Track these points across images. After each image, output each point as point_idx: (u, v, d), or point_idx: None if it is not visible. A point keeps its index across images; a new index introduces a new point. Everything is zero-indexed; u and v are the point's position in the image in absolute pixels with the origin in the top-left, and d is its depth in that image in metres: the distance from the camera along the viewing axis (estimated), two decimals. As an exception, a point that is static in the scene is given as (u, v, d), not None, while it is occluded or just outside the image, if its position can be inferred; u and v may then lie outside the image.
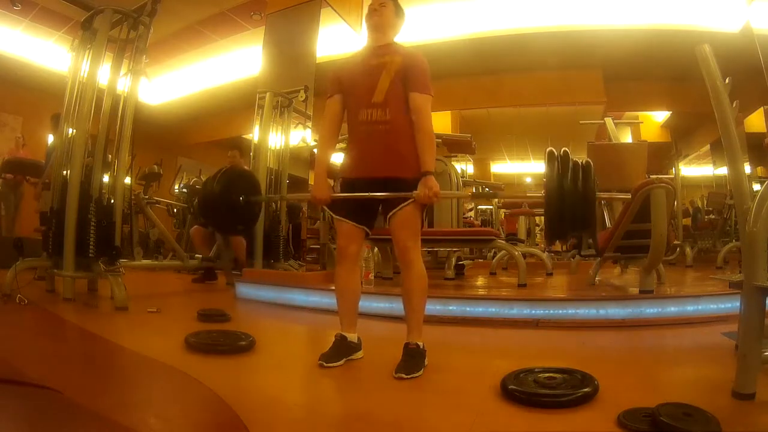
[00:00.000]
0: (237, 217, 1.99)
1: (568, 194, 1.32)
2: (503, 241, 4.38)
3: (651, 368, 1.89)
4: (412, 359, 1.70)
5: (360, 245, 1.88)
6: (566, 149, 1.44)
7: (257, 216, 2.07)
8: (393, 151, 1.78)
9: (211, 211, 1.93)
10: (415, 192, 1.72)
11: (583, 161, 1.40)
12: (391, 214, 1.77)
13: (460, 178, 5.19)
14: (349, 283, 1.86)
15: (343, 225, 1.84)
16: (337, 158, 2.21)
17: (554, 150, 1.44)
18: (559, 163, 1.37)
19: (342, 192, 1.88)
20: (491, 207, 8.80)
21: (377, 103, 1.77)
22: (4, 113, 7.62)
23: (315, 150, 5.69)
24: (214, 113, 9.39)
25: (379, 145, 1.78)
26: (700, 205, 7.66)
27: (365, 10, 1.92)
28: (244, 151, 5.04)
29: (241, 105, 7.37)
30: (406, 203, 1.75)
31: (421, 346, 1.75)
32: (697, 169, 10.20)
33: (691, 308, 2.69)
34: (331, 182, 1.94)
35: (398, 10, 1.91)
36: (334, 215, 1.88)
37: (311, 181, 5.84)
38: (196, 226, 4.80)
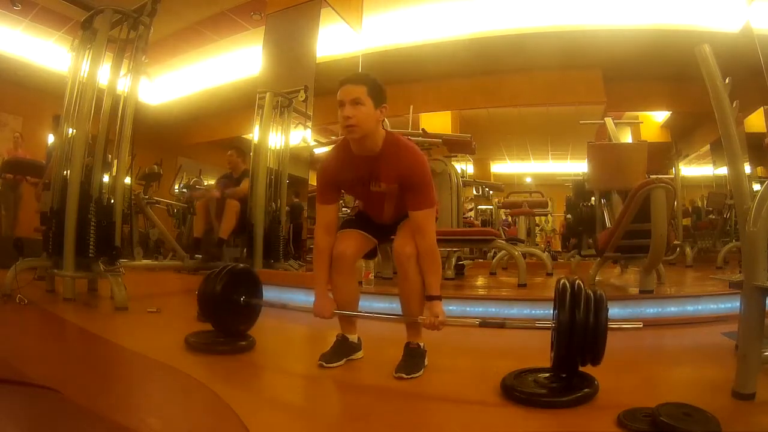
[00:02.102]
0: (237, 318, 2.00)
1: (580, 327, 1.34)
2: (503, 241, 4.38)
3: (651, 368, 1.89)
4: (413, 359, 1.70)
5: (358, 252, 1.82)
6: (579, 282, 1.45)
7: (257, 315, 2.08)
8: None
9: (211, 310, 1.94)
10: (420, 317, 1.67)
11: (597, 293, 1.40)
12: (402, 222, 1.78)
13: (460, 178, 5.18)
14: (346, 290, 1.81)
15: (346, 231, 1.81)
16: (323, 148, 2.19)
17: (567, 282, 1.45)
18: (572, 295, 1.38)
19: (357, 219, 1.87)
20: (491, 207, 8.81)
21: (388, 218, 1.81)
22: (4, 113, 7.61)
23: (315, 150, 5.72)
24: (214, 113, 9.39)
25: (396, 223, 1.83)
26: (700, 205, 7.65)
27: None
28: (244, 150, 5.05)
29: (241, 105, 7.36)
30: (410, 319, 1.73)
31: (422, 346, 1.75)
32: (697, 169, 10.19)
33: (691, 308, 2.70)
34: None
35: (377, 97, 1.59)
36: (344, 228, 1.84)
37: (312, 181, 5.87)
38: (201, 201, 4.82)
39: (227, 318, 1.95)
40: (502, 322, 1.69)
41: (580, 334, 1.34)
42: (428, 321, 1.63)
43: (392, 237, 1.81)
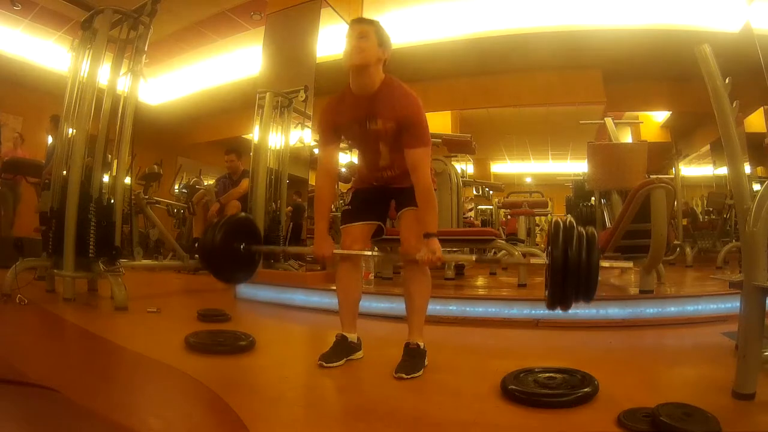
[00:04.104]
0: (237, 266, 2.00)
1: (573, 263, 1.37)
2: (503, 241, 4.38)
3: (651, 368, 1.89)
4: (413, 359, 1.70)
5: (364, 245, 1.88)
6: (572, 220, 1.48)
7: (258, 263, 2.08)
8: (402, 180, 1.80)
9: (211, 259, 1.95)
10: (418, 254, 1.68)
11: (588, 231, 1.43)
12: (402, 211, 1.80)
13: (460, 178, 5.18)
14: (351, 283, 1.87)
15: (350, 226, 1.85)
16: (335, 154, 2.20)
17: (560, 220, 1.47)
18: (564, 234, 1.41)
19: (355, 199, 1.89)
20: (491, 207, 8.82)
21: (384, 166, 1.81)
22: (4, 113, 7.61)
23: (315, 150, 5.72)
24: (214, 113, 9.39)
25: (389, 183, 1.85)
26: (697, 209, 7.65)
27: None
28: (243, 152, 5.05)
29: (241, 105, 7.36)
30: (408, 257, 1.74)
31: (422, 346, 1.75)
32: (697, 169, 10.19)
33: (691, 308, 2.70)
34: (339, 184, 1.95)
35: (382, 38, 1.69)
36: (344, 222, 1.87)
37: (311, 182, 5.87)
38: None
39: (227, 266, 1.96)
40: (496, 260, 1.74)
41: (573, 269, 1.36)
42: (426, 257, 1.65)
43: (389, 216, 1.86)
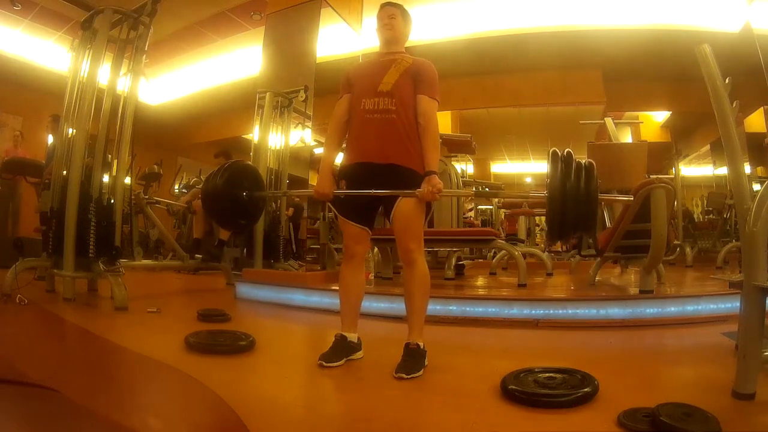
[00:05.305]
0: (240, 212, 2.00)
1: (571, 195, 1.32)
2: (503, 241, 4.38)
3: (651, 368, 1.89)
4: (413, 359, 1.70)
5: (366, 246, 1.90)
6: (569, 150, 1.45)
7: (261, 211, 2.08)
8: (396, 137, 1.79)
9: (214, 204, 1.94)
10: (418, 190, 1.73)
11: (586, 162, 1.40)
12: (393, 209, 1.78)
13: (460, 178, 5.19)
14: (354, 282, 1.88)
15: (349, 226, 1.85)
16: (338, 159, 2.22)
17: (558, 150, 1.44)
18: (563, 164, 1.37)
19: (344, 183, 1.88)
20: (491, 207, 8.81)
21: (384, 92, 1.80)
22: (4, 113, 7.61)
23: (315, 150, 5.73)
24: (214, 113, 9.39)
25: (383, 130, 1.80)
26: (697, 208, 7.65)
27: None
28: (233, 153, 5.06)
29: (241, 105, 7.36)
30: (408, 193, 1.75)
31: (422, 346, 1.75)
32: (697, 169, 10.19)
33: (691, 308, 2.70)
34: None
35: (406, 19, 1.98)
36: (338, 214, 1.89)
37: (312, 181, 5.88)
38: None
39: (229, 212, 1.96)
40: (498, 187, 1.72)
41: (571, 200, 1.34)
42: (426, 191, 1.73)
43: (378, 211, 1.87)
